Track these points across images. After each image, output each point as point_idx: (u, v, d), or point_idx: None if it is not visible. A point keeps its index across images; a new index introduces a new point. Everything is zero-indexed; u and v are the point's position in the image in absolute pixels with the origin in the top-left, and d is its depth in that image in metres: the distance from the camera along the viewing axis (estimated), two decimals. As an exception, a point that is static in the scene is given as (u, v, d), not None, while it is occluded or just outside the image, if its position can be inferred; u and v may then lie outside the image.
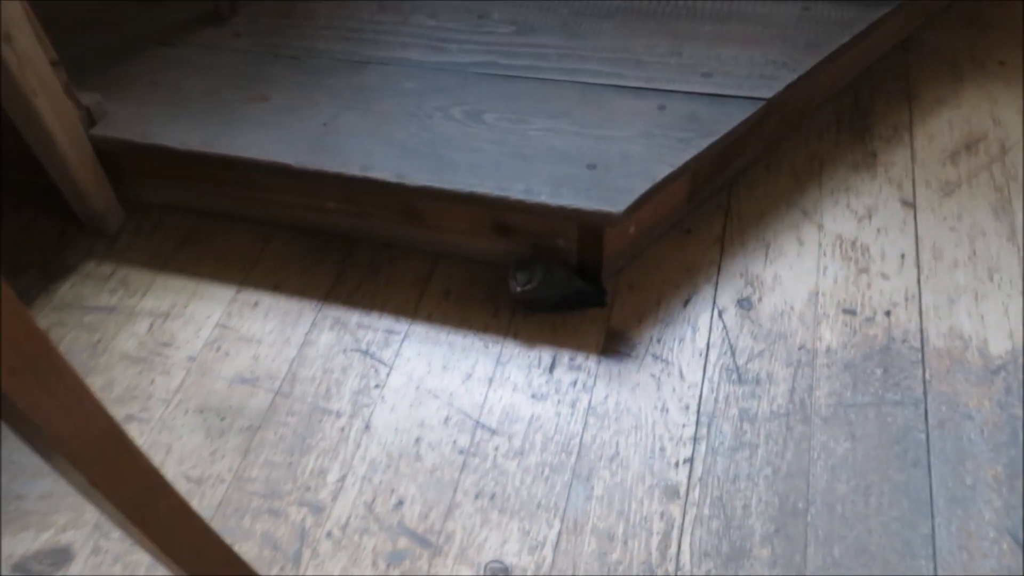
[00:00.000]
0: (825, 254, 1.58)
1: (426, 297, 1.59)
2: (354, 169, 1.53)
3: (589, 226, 1.47)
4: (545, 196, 1.44)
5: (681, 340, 1.48)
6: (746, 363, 1.43)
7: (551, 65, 1.70)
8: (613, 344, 1.48)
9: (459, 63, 1.73)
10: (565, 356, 1.47)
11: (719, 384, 1.41)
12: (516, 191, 1.46)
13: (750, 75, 1.63)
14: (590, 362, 1.46)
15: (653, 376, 1.43)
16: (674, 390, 1.41)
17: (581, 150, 1.53)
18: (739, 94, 1.59)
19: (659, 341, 1.48)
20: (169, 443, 1.38)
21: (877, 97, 1.87)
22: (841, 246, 1.59)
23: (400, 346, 1.52)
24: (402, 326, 1.55)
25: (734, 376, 1.42)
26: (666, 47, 1.71)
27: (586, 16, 1.80)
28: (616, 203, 1.42)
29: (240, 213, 1.74)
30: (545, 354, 1.48)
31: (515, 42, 1.77)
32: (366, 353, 1.51)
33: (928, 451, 1.26)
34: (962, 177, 1.65)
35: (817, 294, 1.52)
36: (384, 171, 1.52)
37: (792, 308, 1.51)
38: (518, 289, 1.48)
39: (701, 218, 1.67)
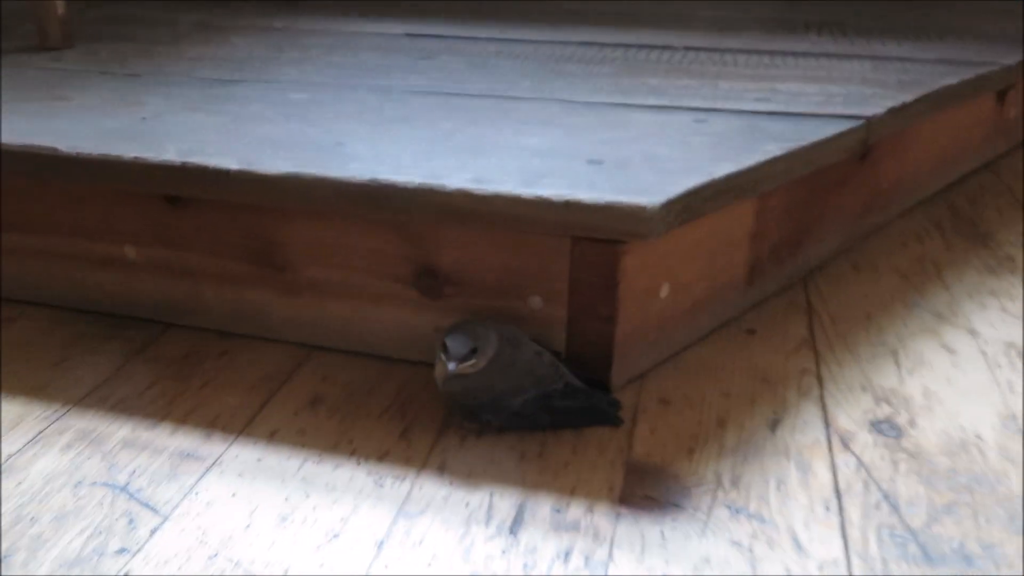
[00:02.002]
0: (999, 365, 0.89)
1: (274, 405, 0.83)
2: (170, 155, 0.85)
3: (591, 256, 0.78)
4: (512, 185, 0.77)
5: (781, 483, 0.73)
6: (927, 525, 0.67)
7: (519, 94, 1.11)
8: (641, 486, 0.72)
9: (384, 85, 1.14)
10: (544, 504, 0.70)
11: (884, 560, 0.64)
12: (458, 180, 0.78)
13: (835, 98, 1.05)
14: (597, 517, 0.69)
15: (738, 545, 0.66)
16: (788, 571, 0.63)
17: (576, 148, 0.88)
18: (825, 112, 1.00)
19: (735, 484, 0.72)
20: None
21: (980, 207, 1.31)
22: (1019, 355, 0.91)
23: (198, 481, 0.73)
24: (213, 448, 0.77)
25: (911, 548, 0.65)
26: (694, 83, 1.15)
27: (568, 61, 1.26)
28: (648, 193, 0.75)
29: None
30: (502, 499, 0.71)
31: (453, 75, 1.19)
32: (123, 490, 0.72)
33: None
34: None
35: (1012, 417, 0.81)
36: (222, 157, 0.84)
37: (980, 437, 0.78)
38: (452, 367, 0.74)
39: (768, 317, 0.99)
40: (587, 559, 0.65)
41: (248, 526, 0.68)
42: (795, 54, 1.31)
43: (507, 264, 0.82)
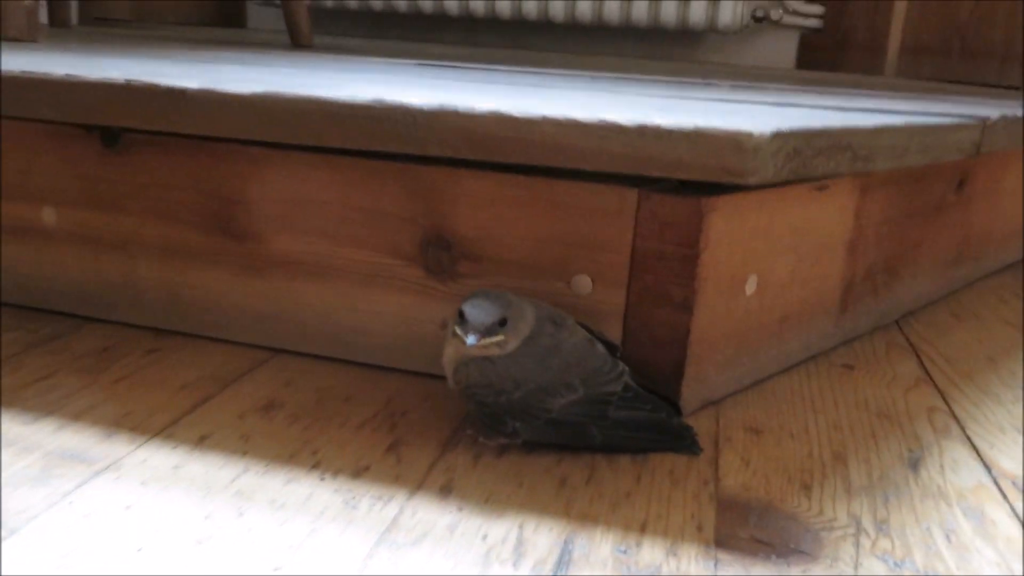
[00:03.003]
0: None
1: (211, 407, 0.59)
2: (113, 73, 0.65)
3: (664, 214, 0.58)
4: (563, 111, 0.57)
5: (951, 533, 0.49)
6: None
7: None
8: (743, 526, 0.48)
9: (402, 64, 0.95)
10: (601, 543, 0.46)
11: None
12: (488, 104, 0.58)
13: (953, 110, 0.88)
14: (687, 562, 0.45)
15: (914, 610, 0.42)
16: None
17: (646, 103, 0.69)
18: (943, 112, 0.82)
19: (883, 531, 0.48)
20: None
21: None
22: None
23: (77, 488, 0.48)
24: (111, 450, 0.53)
25: None
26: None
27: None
28: (751, 118, 0.55)
29: None
30: (538, 534, 0.47)
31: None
32: (-40, 492, 0.47)
33: None
34: None
35: None
36: (179, 80, 0.64)
37: None
38: (472, 342, 0.51)
39: (865, 354, 0.77)
40: (680, 620, 0.40)
41: (140, 549, 0.43)
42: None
43: (546, 229, 0.61)
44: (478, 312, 0.52)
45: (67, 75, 0.65)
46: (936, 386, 0.71)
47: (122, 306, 0.72)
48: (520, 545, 0.45)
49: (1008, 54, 1.91)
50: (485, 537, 0.46)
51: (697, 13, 1.80)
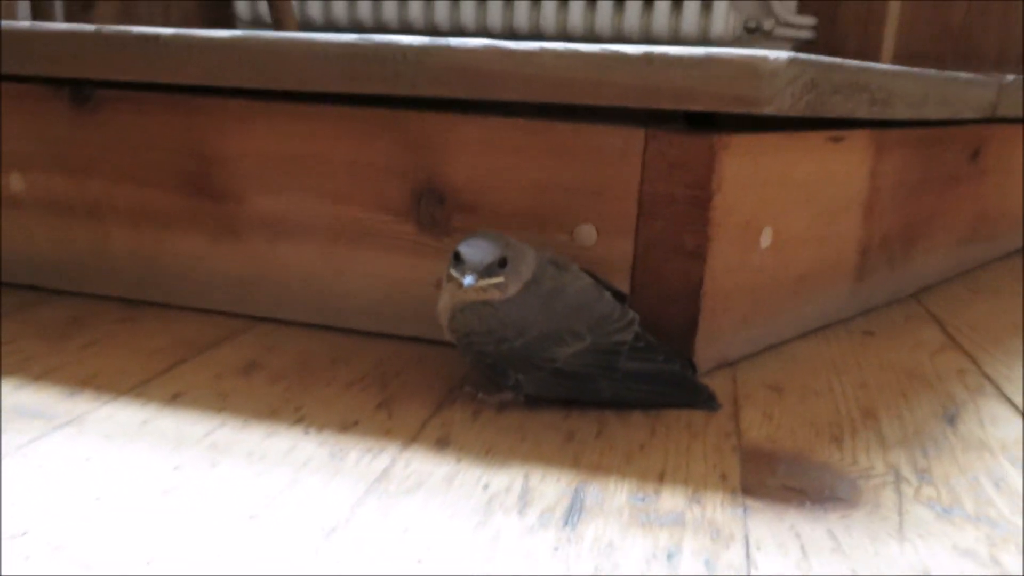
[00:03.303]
0: None
1: (186, 368, 0.55)
2: (83, 26, 0.61)
3: (673, 153, 0.54)
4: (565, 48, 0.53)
5: (1000, 481, 0.44)
6: None
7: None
8: (771, 474, 0.44)
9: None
10: (616, 491, 0.41)
11: None
12: (484, 42, 0.54)
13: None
14: (712, 509, 0.40)
15: (972, 554, 0.37)
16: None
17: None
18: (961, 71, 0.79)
19: (926, 480, 0.44)
20: None
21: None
22: None
23: (32, 441, 0.44)
24: (73, 407, 0.48)
25: None
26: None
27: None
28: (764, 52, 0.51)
29: None
30: (544, 483, 0.42)
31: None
32: (-102, 445, 0.42)
33: None
34: None
35: None
36: (153, 29, 0.60)
37: None
38: (470, 282, 0.47)
39: (885, 322, 0.73)
40: (709, 562, 0.35)
41: (98, 499, 0.38)
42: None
43: (546, 177, 0.57)
44: (475, 251, 0.48)
45: (33, 25, 0.62)
46: (964, 350, 0.66)
47: (93, 276, 0.68)
48: (526, 494, 0.41)
49: (1002, 59, 1.90)
50: (486, 487, 0.41)
51: (689, 24, 1.78)
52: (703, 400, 0.52)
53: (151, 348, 0.58)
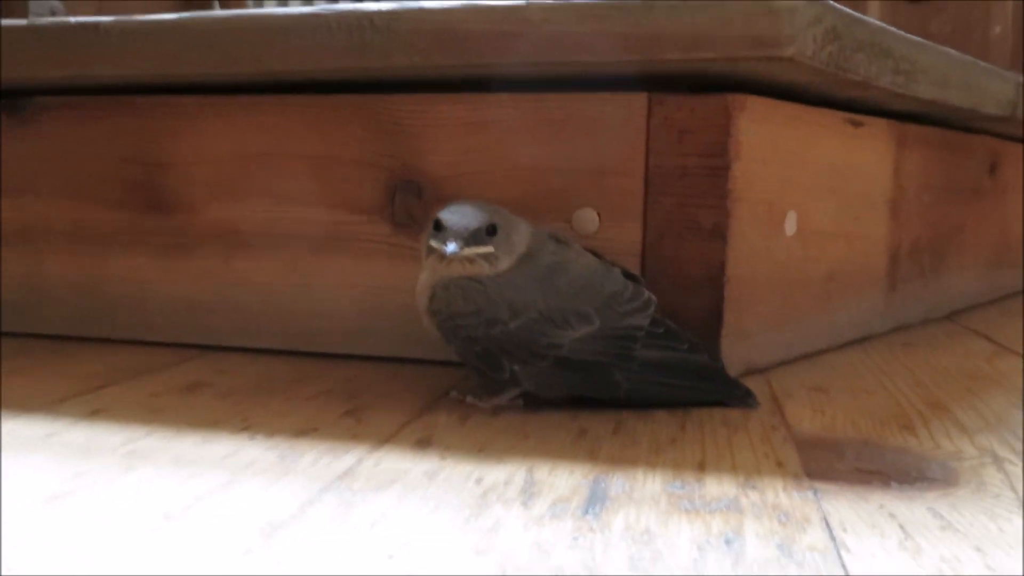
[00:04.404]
0: None
1: (117, 389, 0.46)
2: (16, 19, 0.55)
3: (683, 120, 0.47)
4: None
5: (1121, 456, 0.35)
6: None
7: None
8: (840, 459, 0.35)
9: None
10: (646, 481, 0.32)
11: None
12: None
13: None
14: (773, 493, 0.31)
15: (1125, 524, 0.28)
16: None
17: None
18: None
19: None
20: None
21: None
22: None
23: (-94, 452, 0.34)
24: (-30, 422, 0.39)
25: None
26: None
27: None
28: (784, -16, 0.45)
29: None
30: (554, 476, 0.33)
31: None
32: None
33: None
34: None
35: None
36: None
37: None
38: (453, 249, 0.39)
39: (923, 335, 0.65)
40: (783, 546, 0.26)
41: (-32, 506, 0.29)
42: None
43: (537, 157, 0.50)
44: (460, 217, 0.40)
45: (-39, 24, 0.55)
46: (1022, 356, 0.58)
47: (24, 313, 0.59)
48: (531, 487, 0.31)
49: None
50: (479, 480, 0.32)
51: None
52: (739, 396, 0.43)
53: (81, 374, 0.49)
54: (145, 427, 0.38)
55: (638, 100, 0.48)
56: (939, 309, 0.74)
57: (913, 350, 0.59)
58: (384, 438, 0.37)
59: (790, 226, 0.53)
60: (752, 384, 0.47)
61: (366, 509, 0.29)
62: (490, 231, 0.40)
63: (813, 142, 0.55)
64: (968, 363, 0.55)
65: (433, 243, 0.40)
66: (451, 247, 0.39)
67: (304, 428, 0.39)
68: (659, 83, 0.49)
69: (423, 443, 0.37)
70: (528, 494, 0.31)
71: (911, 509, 0.29)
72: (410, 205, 0.52)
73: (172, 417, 0.40)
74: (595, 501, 0.30)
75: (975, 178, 0.79)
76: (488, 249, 0.40)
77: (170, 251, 0.56)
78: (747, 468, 0.34)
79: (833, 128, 0.57)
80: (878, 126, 0.62)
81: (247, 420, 0.40)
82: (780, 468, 0.34)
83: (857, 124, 0.59)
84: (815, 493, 0.31)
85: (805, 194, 0.54)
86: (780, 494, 0.31)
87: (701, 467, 0.34)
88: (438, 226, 0.40)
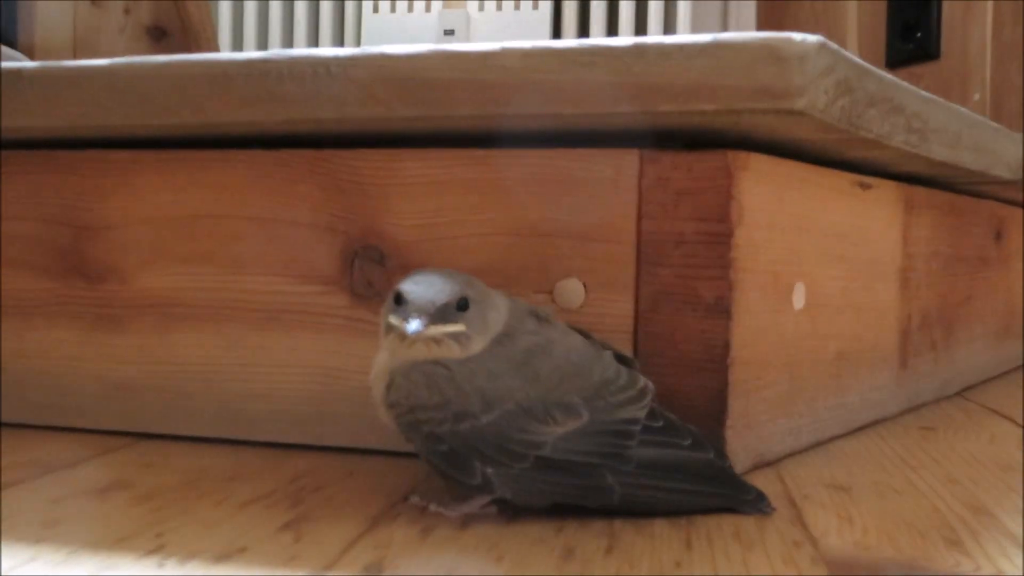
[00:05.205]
0: None
1: (15, 491, 0.38)
2: (-77, 66, 0.49)
3: (680, 179, 0.41)
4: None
5: None
6: None
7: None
8: (891, 594, 0.28)
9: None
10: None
11: None
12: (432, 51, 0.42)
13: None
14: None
15: None
16: None
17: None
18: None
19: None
20: None
21: None
22: None
23: None
24: None
25: None
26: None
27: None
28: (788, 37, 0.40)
29: None
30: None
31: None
32: None
33: None
34: None
35: None
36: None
37: None
38: (416, 328, 0.33)
39: (938, 417, 0.59)
40: None
41: None
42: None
43: (514, 220, 0.44)
44: (424, 289, 0.34)
45: None
46: (1053, 442, 0.52)
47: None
48: (505, 639, 0.25)
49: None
50: (440, 630, 0.25)
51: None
52: (750, 501, 0.37)
53: (-23, 471, 0.41)
54: (31, 549, 0.31)
55: (629, 157, 0.43)
56: (950, 386, 0.69)
57: (933, 435, 0.53)
58: (325, 563, 0.30)
59: (798, 299, 0.47)
60: (763, 481, 0.41)
61: None
62: (461, 306, 0.34)
63: (821, 206, 0.49)
64: (997, 451, 0.49)
65: (392, 320, 0.34)
66: (414, 325, 0.33)
67: (229, 549, 0.32)
68: (653, 138, 0.43)
69: (372, 569, 0.30)
70: (502, 650, 0.24)
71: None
72: (370, 274, 0.46)
73: (69, 533, 0.33)
74: (588, 662, 0.23)
75: (981, 245, 0.75)
76: (458, 328, 0.34)
77: (98, 324, 0.50)
78: (775, 606, 0.27)
79: (841, 191, 0.52)
80: (887, 188, 0.57)
81: (162, 536, 0.33)
82: (815, 606, 0.27)
83: (867, 187, 0.54)
84: (867, 647, 0.24)
85: (813, 263, 0.49)
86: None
87: (717, 605, 0.27)
88: (399, 299, 0.34)
